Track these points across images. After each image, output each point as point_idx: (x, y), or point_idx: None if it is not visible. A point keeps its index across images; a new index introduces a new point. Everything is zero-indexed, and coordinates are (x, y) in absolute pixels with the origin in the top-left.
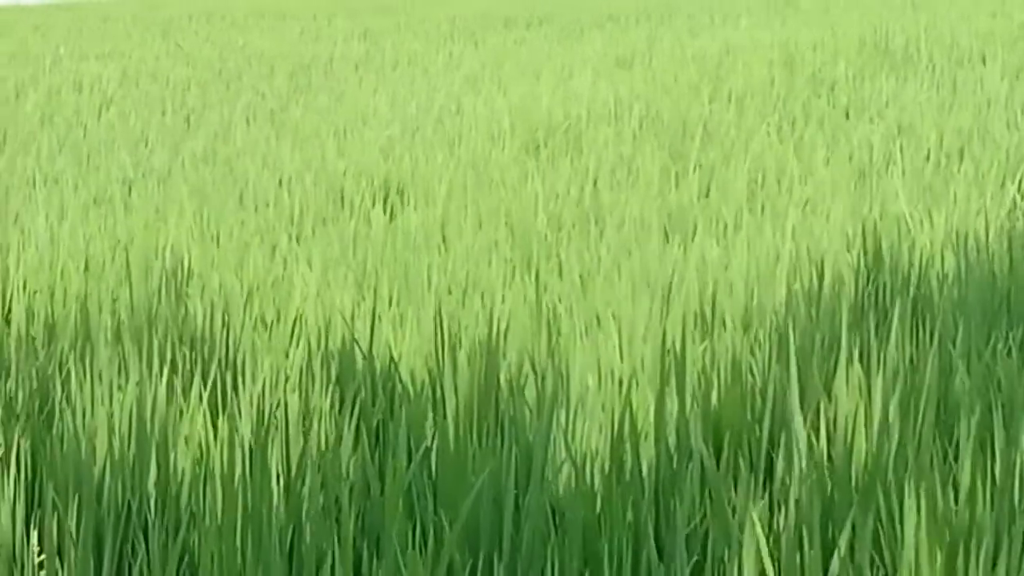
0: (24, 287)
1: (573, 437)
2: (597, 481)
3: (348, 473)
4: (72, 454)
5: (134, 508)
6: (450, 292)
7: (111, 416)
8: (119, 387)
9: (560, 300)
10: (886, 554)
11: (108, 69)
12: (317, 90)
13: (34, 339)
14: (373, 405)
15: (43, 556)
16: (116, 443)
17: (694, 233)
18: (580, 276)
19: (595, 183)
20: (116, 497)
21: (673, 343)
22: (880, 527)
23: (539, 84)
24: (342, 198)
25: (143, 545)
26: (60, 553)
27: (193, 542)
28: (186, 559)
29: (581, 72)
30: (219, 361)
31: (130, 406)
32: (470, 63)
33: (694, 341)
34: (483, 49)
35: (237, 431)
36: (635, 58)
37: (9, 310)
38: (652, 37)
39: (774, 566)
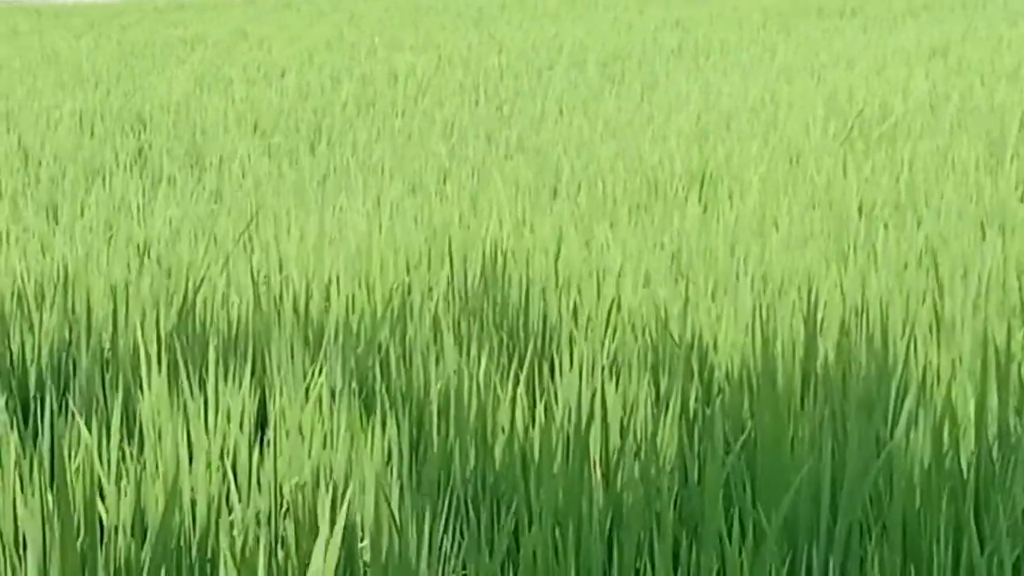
0: (343, 275)
1: (892, 432)
2: (917, 474)
3: (666, 463)
4: (390, 441)
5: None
6: (765, 282)
7: (429, 403)
8: (436, 379)
9: (878, 292)
10: None
11: (422, 59)
12: (630, 80)
13: (352, 327)
14: (690, 395)
15: (364, 542)
16: (434, 431)
17: (1012, 224)
18: (896, 267)
19: (911, 173)
20: (433, 481)
21: (994, 335)
22: None
23: (853, 74)
24: (655, 187)
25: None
26: None
27: (512, 529)
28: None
29: (895, 61)
30: (535, 348)
31: (448, 393)
32: (783, 53)
33: (1016, 333)
34: (796, 38)
35: (555, 419)
36: (950, 47)
37: (328, 298)
38: (967, 26)
39: None
